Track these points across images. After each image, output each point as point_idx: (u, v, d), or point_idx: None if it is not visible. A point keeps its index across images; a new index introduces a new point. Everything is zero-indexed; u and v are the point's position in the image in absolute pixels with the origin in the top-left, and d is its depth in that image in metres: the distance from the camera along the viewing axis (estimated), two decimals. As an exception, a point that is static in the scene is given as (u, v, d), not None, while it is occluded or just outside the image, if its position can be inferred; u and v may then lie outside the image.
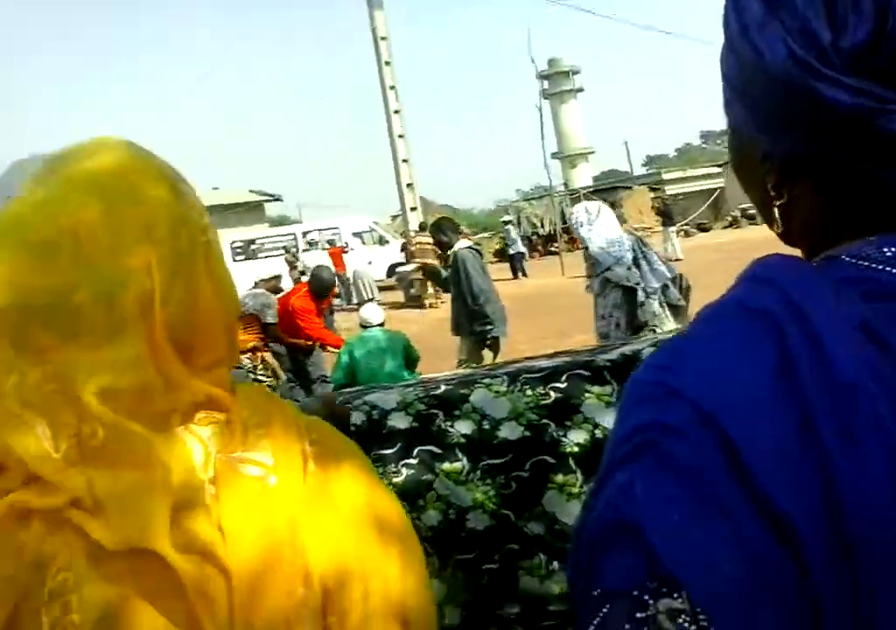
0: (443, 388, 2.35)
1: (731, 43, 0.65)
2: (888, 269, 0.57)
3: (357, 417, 2.21)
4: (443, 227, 6.78)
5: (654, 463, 0.54)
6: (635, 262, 5.53)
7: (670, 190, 33.89)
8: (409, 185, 18.15)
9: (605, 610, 0.53)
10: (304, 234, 24.06)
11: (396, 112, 18.07)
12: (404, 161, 18.09)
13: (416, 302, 17.37)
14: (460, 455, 2.18)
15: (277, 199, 34.25)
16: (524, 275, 21.42)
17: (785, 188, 0.64)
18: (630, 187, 34.77)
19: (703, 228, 30.07)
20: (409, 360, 5.61)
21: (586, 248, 5.77)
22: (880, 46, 0.56)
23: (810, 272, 0.60)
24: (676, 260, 18.53)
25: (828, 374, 0.52)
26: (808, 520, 0.49)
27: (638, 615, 0.50)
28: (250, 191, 32.16)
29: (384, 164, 18.80)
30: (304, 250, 21.71)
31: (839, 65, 0.57)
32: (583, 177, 62.04)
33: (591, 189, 35.04)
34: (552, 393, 2.27)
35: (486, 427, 2.22)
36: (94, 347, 0.71)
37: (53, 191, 0.75)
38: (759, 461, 0.51)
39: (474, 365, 5.33)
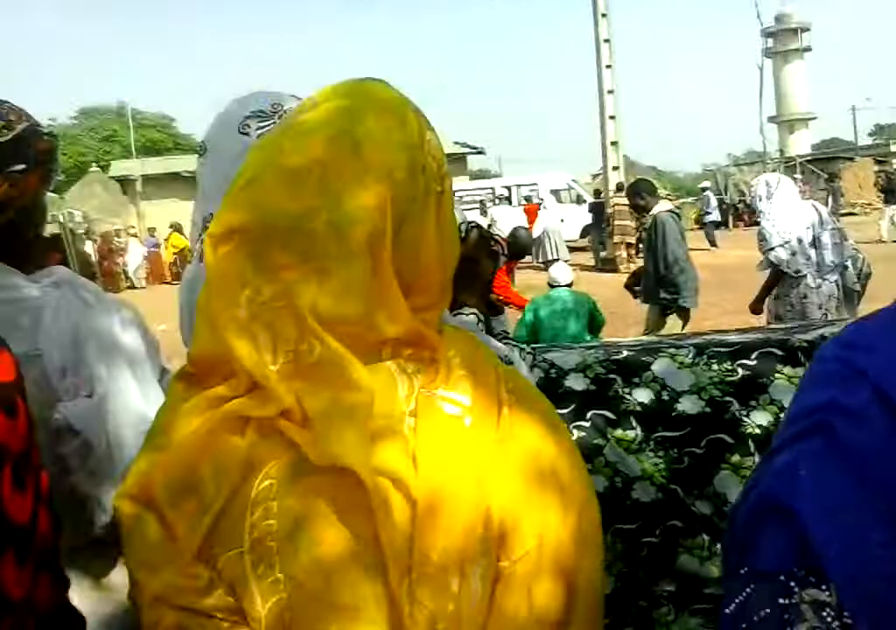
0: (625, 353, 2.32)
1: None
2: None
3: (535, 374, 2.22)
4: (639, 190, 6.56)
5: (824, 445, 0.53)
6: (814, 241, 5.25)
7: (899, 163, 31.08)
8: (613, 143, 17.68)
9: (749, 589, 0.53)
10: (507, 188, 24.18)
11: (608, 67, 17.56)
12: (611, 118, 17.61)
13: (609, 265, 17.00)
14: (634, 423, 2.15)
15: (480, 153, 34.51)
16: (714, 245, 20.33)
17: None
18: (852, 158, 32.17)
19: (932, 208, 27.34)
20: (594, 323, 5.52)
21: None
22: None
23: None
24: (894, 242, 17.10)
25: None
26: None
27: (781, 600, 0.50)
28: (454, 143, 32.59)
29: (589, 120, 18.42)
30: (493, 204, 21.83)
31: None
32: (801, 144, 58.09)
33: (809, 157, 32.75)
34: (740, 370, 2.18)
35: (666, 398, 2.18)
36: (324, 273, 0.76)
37: (311, 124, 0.81)
38: None
39: (658, 334, 5.20)
